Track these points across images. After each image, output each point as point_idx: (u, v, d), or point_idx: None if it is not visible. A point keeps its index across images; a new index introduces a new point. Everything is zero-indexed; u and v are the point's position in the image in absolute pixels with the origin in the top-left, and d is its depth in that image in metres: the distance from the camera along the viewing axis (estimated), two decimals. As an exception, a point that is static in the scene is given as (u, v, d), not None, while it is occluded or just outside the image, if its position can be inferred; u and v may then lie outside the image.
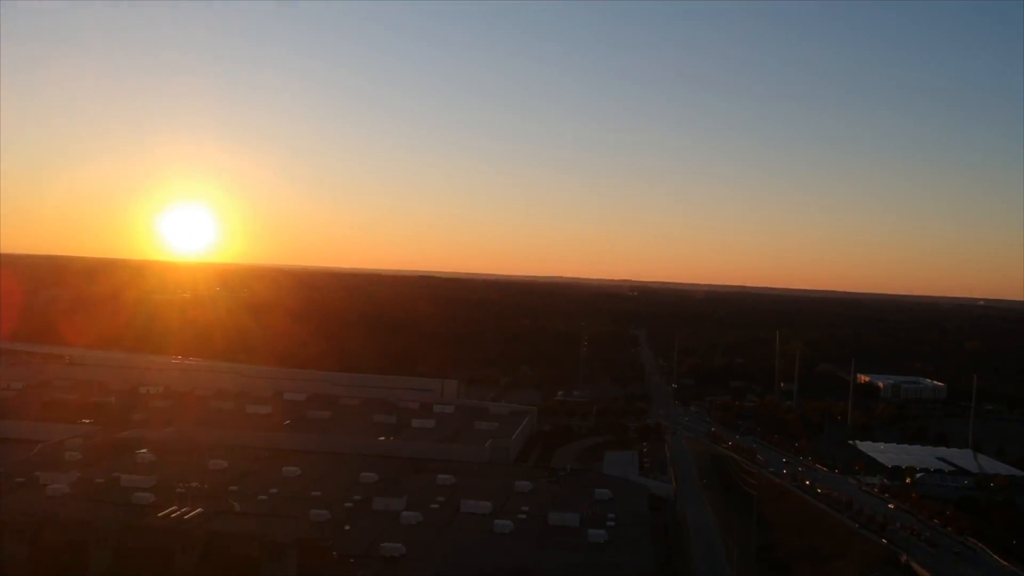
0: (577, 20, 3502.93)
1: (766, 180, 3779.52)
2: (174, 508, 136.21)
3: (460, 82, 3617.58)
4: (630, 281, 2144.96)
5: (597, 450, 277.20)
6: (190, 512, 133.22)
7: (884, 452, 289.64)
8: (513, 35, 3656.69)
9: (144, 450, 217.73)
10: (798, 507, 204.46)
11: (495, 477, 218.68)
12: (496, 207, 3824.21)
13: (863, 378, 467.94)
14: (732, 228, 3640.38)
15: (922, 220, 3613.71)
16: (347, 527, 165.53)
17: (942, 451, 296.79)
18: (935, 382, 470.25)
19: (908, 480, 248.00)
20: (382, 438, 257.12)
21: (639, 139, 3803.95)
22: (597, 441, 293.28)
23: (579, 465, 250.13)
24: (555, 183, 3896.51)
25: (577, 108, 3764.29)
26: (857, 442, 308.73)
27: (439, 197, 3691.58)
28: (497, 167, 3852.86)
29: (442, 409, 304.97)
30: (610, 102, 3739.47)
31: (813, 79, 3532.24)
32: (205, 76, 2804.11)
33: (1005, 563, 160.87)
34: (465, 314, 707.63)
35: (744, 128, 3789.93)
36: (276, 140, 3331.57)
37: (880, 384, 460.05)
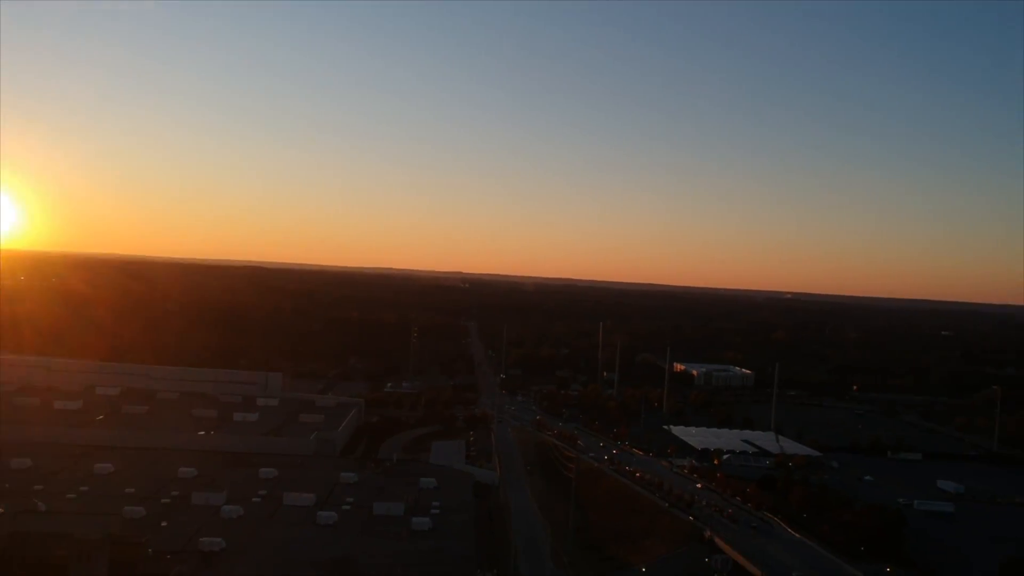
0: (401, 16, 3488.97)
1: (592, 176, 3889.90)
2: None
3: (271, 65, 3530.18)
4: (462, 273, 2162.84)
5: (425, 440, 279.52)
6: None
7: (695, 436, 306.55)
8: (337, 30, 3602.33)
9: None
10: (614, 489, 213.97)
11: (320, 469, 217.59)
12: (326, 197, 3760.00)
13: (679, 367, 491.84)
14: (561, 223, 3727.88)
15: (734, 217, 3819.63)
16: (164, 523, 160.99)
17: (747, 434, 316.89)
18: (744, 370, 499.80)
19: (716, 461, 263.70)
20: (202, 433, 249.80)
21: (471, 133, 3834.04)
22: (425, 431, 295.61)
23: (406, 455, 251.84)
24: (387, 175, 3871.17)
25: (410, 102, 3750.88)
26: (671, 427, 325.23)
27: (267, 185, 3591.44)
28: (327, 156, 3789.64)
29: (266, 402, 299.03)
30: (441, 95, 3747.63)
31: (635, 75, 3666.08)
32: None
33: (797, 535, 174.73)
34: (293, 306, 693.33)
35: (575, 125, 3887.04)
36: (89, 126, 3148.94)
37: (694, 372, 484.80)
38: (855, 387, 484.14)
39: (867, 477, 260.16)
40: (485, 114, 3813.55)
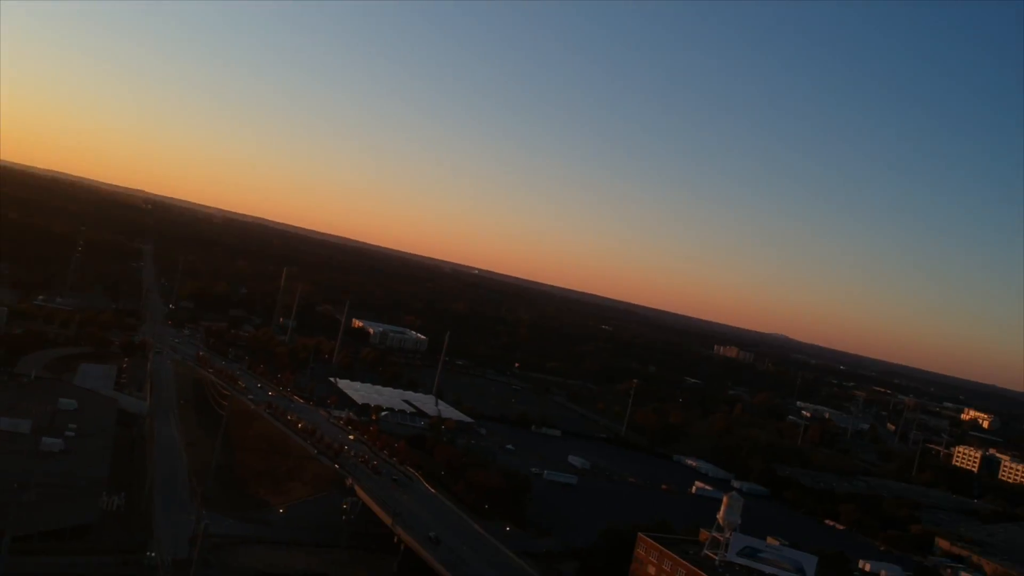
0: None
1: (299, 121, 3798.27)
2: None
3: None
4: (146, 193, 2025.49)
5: (72, 361, 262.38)
6: None
7: (359, 390, 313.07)
8: None
9: None
10: (266, 432, 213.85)
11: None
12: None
13: (357, 323, 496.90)
14: (260, 158, 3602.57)
15: (429, 187, 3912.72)
16: None
17: (409, 395, 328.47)
18: (419, 335, 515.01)
19: (374, 417, 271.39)
20: None
21: (171, 44, 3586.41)
22: (75, 352, 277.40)
23: (48, 374, 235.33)
24: (74, 70, 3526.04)
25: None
26: (337, 379, 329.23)
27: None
28: (21, 47, 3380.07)
29: None
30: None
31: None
32: None
33: (433, 490, 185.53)
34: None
35: (276, 58, 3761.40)
36: None
37: (371, 330, 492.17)
38: (517, 364, 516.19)
39: (509, 446, 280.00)
40: (204, 31, 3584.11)
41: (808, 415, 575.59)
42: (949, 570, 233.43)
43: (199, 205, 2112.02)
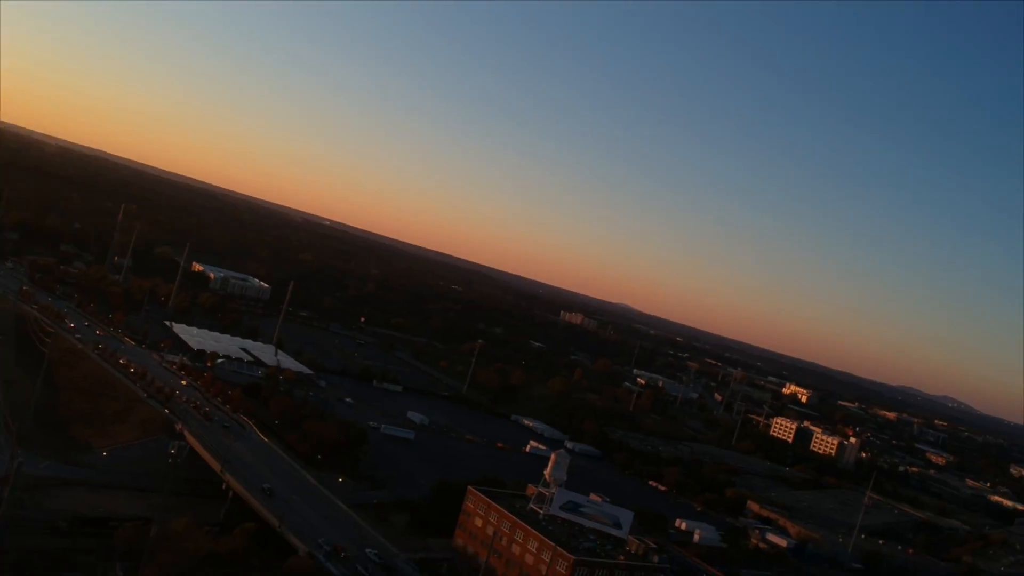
0: None
1: (141, 51, 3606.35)
2: None
3: None
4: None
5: None
6: None
7: (195, 336, 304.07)
8: None
9: None
10: (93, 373, 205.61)
11: None
12: None
13: (197, 267, 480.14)
14: (99, 88, 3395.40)
15: (284, 134, 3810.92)
16: None
17: (248, 343, 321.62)
18: (263, 283, 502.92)
19: (209, 363, 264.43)
20: None
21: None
22: None
23: None
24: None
25: None
26: (173, 324, 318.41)
27: None
28: None
29: None
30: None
31: None
32: None
33: (265, 439, 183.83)
34: None
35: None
36: None
37: (212, 275, 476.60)
38: (362, 319, 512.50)
39: (348, 399, 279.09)
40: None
41: (643, 382, 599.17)
42: (757, 531, 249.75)
43: (30, 130, 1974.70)
